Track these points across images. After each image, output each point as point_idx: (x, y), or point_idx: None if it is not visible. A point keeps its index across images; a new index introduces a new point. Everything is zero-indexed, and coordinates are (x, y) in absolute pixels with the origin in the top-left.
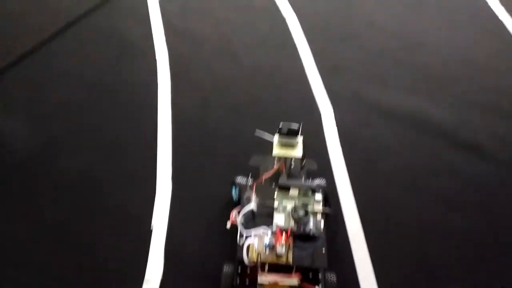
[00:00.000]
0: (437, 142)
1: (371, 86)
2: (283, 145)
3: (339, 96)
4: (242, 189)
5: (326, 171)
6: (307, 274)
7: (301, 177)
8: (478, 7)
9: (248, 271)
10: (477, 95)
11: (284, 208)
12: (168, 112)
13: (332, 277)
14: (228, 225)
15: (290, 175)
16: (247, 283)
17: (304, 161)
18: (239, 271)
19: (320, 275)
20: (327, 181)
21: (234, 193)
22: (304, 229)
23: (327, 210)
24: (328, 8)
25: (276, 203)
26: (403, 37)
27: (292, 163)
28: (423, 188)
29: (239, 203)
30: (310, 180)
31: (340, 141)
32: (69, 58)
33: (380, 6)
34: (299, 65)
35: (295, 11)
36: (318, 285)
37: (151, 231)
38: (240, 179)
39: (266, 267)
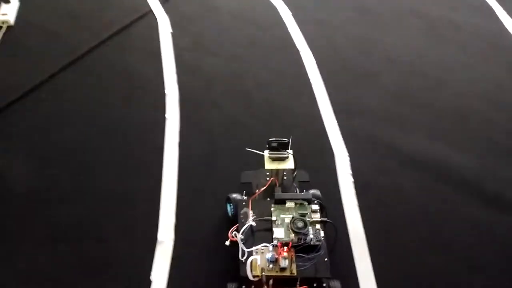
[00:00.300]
0: (458, 192)
1: (388, 128)
2: (274, 159)
3: (354, 139)
4: (237, 205)
5: (339, 218)
6: (311, 284)
7: (294, 189)
8: (504, 44)
9: (252, 287)
10: (503, 140)
11: (283, 221)
12: (175, 152)
13: (336, 284)
14: (228, 243)
15: (283, 188)
16: None
17: (295, 173)
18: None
19: (324, 284)
20: (338, 227)
21: (229, 209)
22: (304, 240)
23: (325, 218)
24: (345, 44)
25: (274, 217)
26: (423, 75)
27: (284, 176)
28: (442, 243)
29: (235, 219)
30: (304, 191)
31: (355, 188)
32: (77, 93)
33: (399, 42)
34: (313, 104)
35: (310, 46)
36: None
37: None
38: (234, 196)
39: (271, 282)
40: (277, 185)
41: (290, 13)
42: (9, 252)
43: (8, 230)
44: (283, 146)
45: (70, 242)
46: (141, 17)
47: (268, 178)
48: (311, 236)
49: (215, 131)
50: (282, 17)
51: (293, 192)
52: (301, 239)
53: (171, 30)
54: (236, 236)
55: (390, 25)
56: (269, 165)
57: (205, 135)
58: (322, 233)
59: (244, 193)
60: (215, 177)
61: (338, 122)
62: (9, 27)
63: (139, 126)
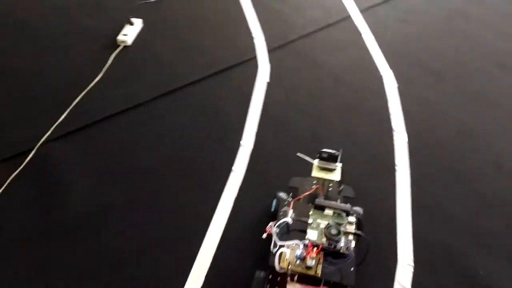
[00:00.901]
0: None
1: (472, 250)
2: (322, 169)
3: (429, 251)
4: (281, 203)
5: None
6: None
7: (338, 201)
8: None
9: (278, 279)
10: None
11: (318, 225)
12: (230, 203)
13: None
14: (264, 235)
15: (327, 198)
16: None
17: (342, 187)
18: (270, 277)
19: None
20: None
21: (274, 204)
22: (335, 247)
23: (360, 232)
24: (446, 134)
25: (310, 220)
26: None
27: (330, 187)
28: None
29: (275, 214)
30: (345, 204)
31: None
32: (163, 122)
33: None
34: (390, 196)
35: (407, 128)
36: None
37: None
38: (281, 194)
39: (296, 277)
40: (321, 193)
41: (396, 85)
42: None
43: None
44: (332, 159)
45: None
46: (246, 61)
47: (313, 187)
48: (342, 244)
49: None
50: (386, 88)
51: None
52: (331, 245)
53: (268, 80)
54: (271, 228)
55: (503, 117)
56: (316, 173)
57: (267, 189)
58: (353, 244)
59: (290, 195)
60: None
61: (412, 228)
62: (125, 47)
63: (205, 171)
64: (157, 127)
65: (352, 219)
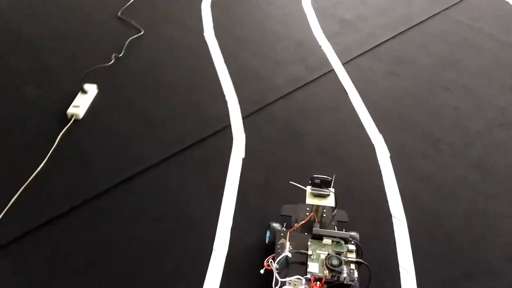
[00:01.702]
0: None
1: None
2: (315, 195)
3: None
4: (276, 234)
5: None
6: None
7: (333, 227)
8: None
9: None
10: None
11: (318, 256)
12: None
13: None
14: (262, 271)
15: (321, 225)
16: None
17: (335, 211)
18: None
19: None
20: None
21: (268, 236)
22: (338, 278)
23: (361, 260)
24: (449, 221)
25: (310, 251)
26: None
27: (324, 214)
28: None
29: (270, 246)
30: (344, 231)
31: None
32: (116, 219)
33: None
34: None
35: (406, 214)
36: None
37: None
38: (274, 225)
39: None
40: (316, 221)
41: (389, 154)
42: None
43: None
44: (325, 184)
45: None
46: (218, 132)
47: (307, 214)
48: (345, 275)
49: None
50: (379, 159)
51: (332, 230)
52: (334, 276)
53: (243, 155)
54: (271, 265)
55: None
56: (310, 200)
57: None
58: (356, 274)
59: (284, 225)
60: None
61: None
62: (76, 121)
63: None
64: (109, 227)
65: (351, 247)
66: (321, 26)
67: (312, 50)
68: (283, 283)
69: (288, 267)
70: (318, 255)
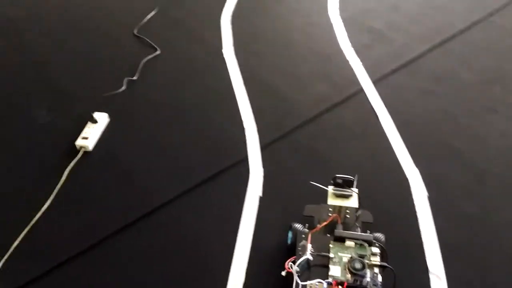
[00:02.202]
0: None
1: None
2: (337, 196)
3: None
4: (297, 235)
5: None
6: None
7: (356, 228)
8: None
9: None
10: None
11: (340, 259)
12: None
13: None
14: (284, 273)
15: (345, 226)
16: None
17: (359, 212)
18: None
19: None
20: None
21: (289, 237)
22: (361, 282)
23: (385, 263)
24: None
25: (332, 254)
26: None
27: (347, 214)
28: None
29: (292, 247)
30: (368, 233)
31: None
32: (126, 264)
33: None
34: None
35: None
36: None
37: None
38: (296, 225)
39: None
40: (339, 222)
41: (426, 194)
42: None
43: None
44: (348, 184)
45: None
46: (234, 165)
47: (330, 214)
48: (368, 279)
49: None
50: (414, 200)
51: (355, 231)
52: (357, 280)
53: (260, 194)
54: (292, 268)
55: None
56: (332, 201)
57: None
58: (380, 278)
59: (306, 226)
60: None
61: None
62: (86, 153)
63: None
64: (123, 270)
65: (375, 250)
66: (349, 38)
67: (339, 66)
68: (304, 287)
69: (309, 270)
70: (340, 258)
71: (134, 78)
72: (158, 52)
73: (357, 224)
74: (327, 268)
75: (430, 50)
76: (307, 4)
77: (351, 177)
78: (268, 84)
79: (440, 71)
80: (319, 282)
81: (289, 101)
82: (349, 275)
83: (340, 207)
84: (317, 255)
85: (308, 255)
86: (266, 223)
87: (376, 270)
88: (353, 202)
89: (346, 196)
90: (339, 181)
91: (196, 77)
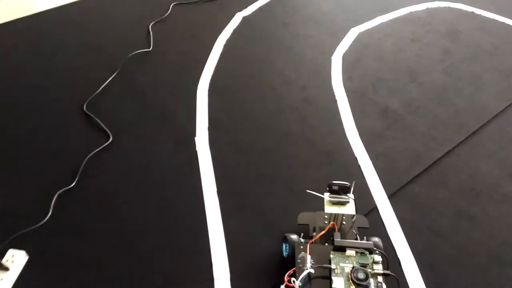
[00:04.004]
0: None
1: None
2: (334, 203)
3: None
4: (294, 247)
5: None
6: None
7: (354, 235)
8: None
9: None
10: None
11: (343, 270)
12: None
13: None
14: (283, 287)
15: (342, 233)
16: None
17: (354, 218)
18: None
19: None
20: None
21: (285, 249)
22: None
23: (388, 271)
24: None
25: (333, 265)
26: None
27: (343, 221)
28: None
29: (289, 259)
30: (365, 238)
31: None
32: None
33: None
34: None
35: None
36: None
37: None
38: (292, 237)
39: None
40: (336, 229)
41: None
42: None
43: None
44: (344, 190)
45: None
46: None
47: (326, 222)
48: None
49: None
50: None
51: (352, 238)
52: None
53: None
54: (294, 283)
55: None
56: (328, 208)
57: None
58: (384, 287)
59: (302, 236)
60: None
61: None
62: None
63: None
64: None
65: (378, 258)
66: (356, 122)
67: (344, 167)
68: None
69: (310, 283)
70: (342, 268)
71: (72, 185)
72: (110, 140)
73: (353, 231)
74: (329, 279)
75: (463, 142)
76: (304, 68)
77: (347, 184)
78: (244, 197)
79: (478, 178)
80: None
81: (269, 230)
82: (353, 287)
83: (337, 214)
84: (318, 267)
85: (309, 268)
86: None
87: (380, 278)
88: (350, 208)
89: (343, 203)
90: (335, 187)
91: (153, 184)
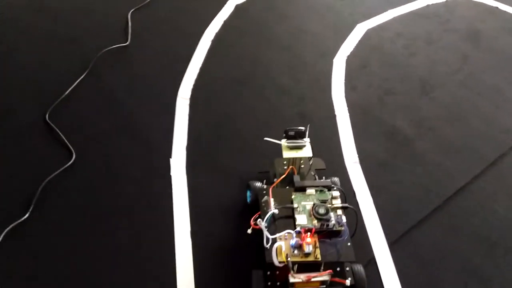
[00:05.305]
0: None
1: None
2: (291, 148)
3: None
4: (257, 193)
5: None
6: (335, 268)
7: (312, 177)
8: None
9: (277, 273)
10: None
11: (304, 208)
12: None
13: (359, 269)
14: (249, 231)
15: (301, 176)
16: (278, 284)
17: (311, 160)
18: (268, 273)
19: (347, 268)
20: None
21: (249, 195)
22: (327, 226)
23: (347, 204)
24: None
25: (295, 204)
26: None
27: (301, 164)
28: None
29: (253, 204)
30: (324, 179)
31: None
32: None
33: None
34: None
35: None
36: (346, 278)
37: None
38: (255, 184)
39: (296, 267)
40: (295, 173)
41: None
42: None
43: None
44: (300, 135)
45: None
46: None
47: (285, 167)
48: (334, 221)
49: None
50: None
51: (311, 180)
52: (323, 225)
53: None
54: (260, 224)
55: None
56: (287, 153)
57: None
58: (344, 219)
59: (264, 182)
60: None
61: None
62: None
63: None
64: None
65: (336, 193)
66: (356, 145)
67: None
68: (275, 240)
69: (275, 224)
70: (304, 206)
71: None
72: (72, 159)
73: (312, 173)
74: (292, 218)
75: (482, 173)
76: (302, 74)
77: (302, 128)
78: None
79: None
80: (288, 232)
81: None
82: (315, 221)
83: (295, 158)
84: (282, 207)
85: (273, 209)
86: None
87: (339, 212)
88: (306, 151)
89: (300, 147)
90: (291, 133)
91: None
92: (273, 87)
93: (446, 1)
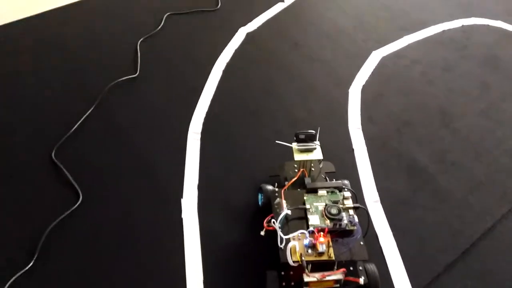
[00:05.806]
0: None
1: None
2: (302, 151)
3: None
4: (270, 196)
5: None
6: (348, 267)
7: (322, 179)
8: None
9: (292, 273)
10: None
11: (316, 209)
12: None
13: (372, 267)
14: (263, 232)
15: (312, 179)
16: (292, 284)
17: (322, 164)
18: (283, 274)
19: (360, 268)
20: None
21: (260, 198)
22: (340, 225)
23: (358, 204)
24: None
25: (307, 205)
26: None
27: (312, 167)
28: None
29: (264, 207)
30: (334, 181)
31: None
32: None
33: None
34: None
35: None
36: (360, 277)
37: None
38: (267, 187)
39: (309, 267)
40: (306, 175)
41: None
42: None
43: None
44: (310, 138)
45: None
46: None
47: (296, 170)
48: (346, 221)
49: None
50: None
51: (322, 182)
52: (336, 224)
53: None
54: (274, 224)
55: None
56: (298, 156)
57: None
58: (356, 218)
59: (276, 185)
60: None
61: None
62: None
63: None
64: None
65: (347, 194)
66: (376, 182)
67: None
68: (288, 240)
69: (288, 225)
70: (316, 207)
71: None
72: (80, 201)
73: (322, 175)
74: (305, 219)
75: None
76: (316, 105)
77: (313, 131)
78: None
79: None
80: (301, 232)
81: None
82: (328, 221)
83: (305, 161)
84: (294, 209)
85: (286, 210)
86: None
87: (351, 211)
88: (317, 154)
89: (310, 150)
90: (302, 136)
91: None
92: (286, 118)
93: (462, 26)
